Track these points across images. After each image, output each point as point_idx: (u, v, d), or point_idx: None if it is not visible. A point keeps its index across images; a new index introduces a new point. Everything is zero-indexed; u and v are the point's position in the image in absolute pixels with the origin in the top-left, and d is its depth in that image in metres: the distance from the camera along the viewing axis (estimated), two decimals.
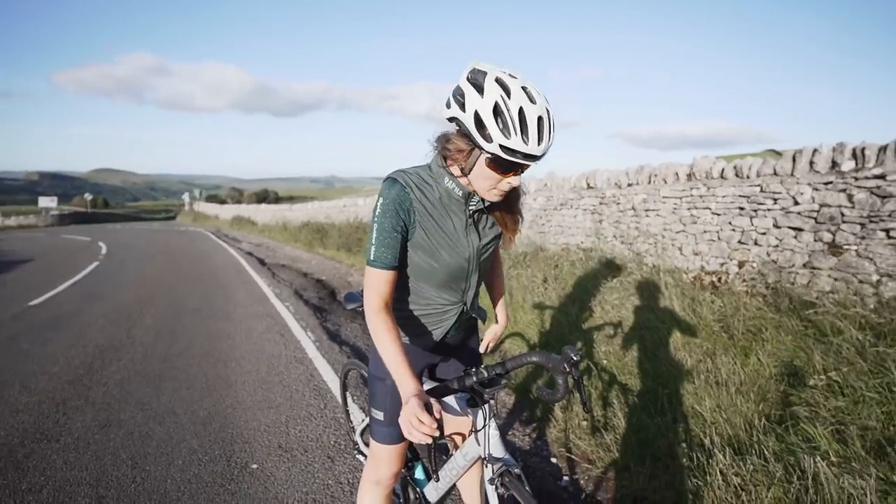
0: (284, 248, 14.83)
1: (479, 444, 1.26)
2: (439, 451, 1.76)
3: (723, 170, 4.73)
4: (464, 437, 1.47)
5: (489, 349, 1.59)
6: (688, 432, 2.47)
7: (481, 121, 1.03)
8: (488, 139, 1.03)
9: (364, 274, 1.23)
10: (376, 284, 1.19)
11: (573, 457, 2.51)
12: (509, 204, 1.26)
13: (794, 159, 4.08)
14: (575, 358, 1.13)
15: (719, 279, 4.56)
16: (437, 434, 0.99)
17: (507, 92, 1.02)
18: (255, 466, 2.41)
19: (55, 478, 2.31)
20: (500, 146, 1.02)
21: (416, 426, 0.99)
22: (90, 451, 2.56)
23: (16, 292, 7.32)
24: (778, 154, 4.44)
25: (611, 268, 5.37)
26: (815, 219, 3.88)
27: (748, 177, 4.47)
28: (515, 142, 1.01)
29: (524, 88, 1.03)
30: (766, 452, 2.08)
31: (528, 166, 1.08)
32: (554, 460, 2.53)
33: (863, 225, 3.57)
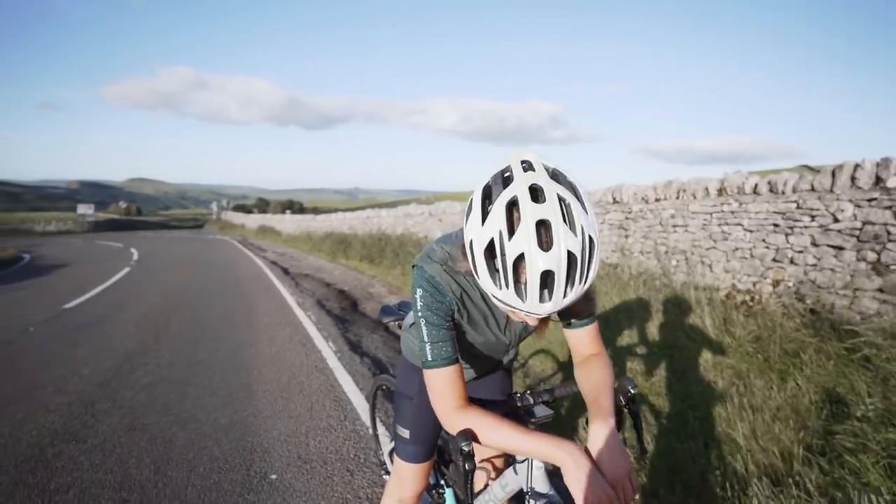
0: (308, 257, 15.03)
1: (518, 475, 1.13)
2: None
3: (756, 185, 4.59)
4: (498, 463, 1.41)
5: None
6: (721, 459, 2.35)
7: (473, 256, 0.84)
8: (478, 277, 0.84)
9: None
10: (447, 385, 0.97)
11: None
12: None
13: (833, 174, 3.92)
14: (632, 391, 1.02)
15: (752, 298, 4.39)
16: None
17: (512, 228, 0.78)
18: (273, 477, 2.40)
19: (81, 479, 2.35)
20: (491, 293, 0.84)
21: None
22: (115, 454, 2.59)
23: (51, 296, 7.59)
24: (811, 169, 4.28)
25: (638, 284, 5.23)
26: (858, 237, 3.71)
27: (783, 192, 4.32)
28: (507, 295, 0.80)
29: (542, 224, 0.76)
30: (808, 485, 1.96)
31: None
32: None
33: None
